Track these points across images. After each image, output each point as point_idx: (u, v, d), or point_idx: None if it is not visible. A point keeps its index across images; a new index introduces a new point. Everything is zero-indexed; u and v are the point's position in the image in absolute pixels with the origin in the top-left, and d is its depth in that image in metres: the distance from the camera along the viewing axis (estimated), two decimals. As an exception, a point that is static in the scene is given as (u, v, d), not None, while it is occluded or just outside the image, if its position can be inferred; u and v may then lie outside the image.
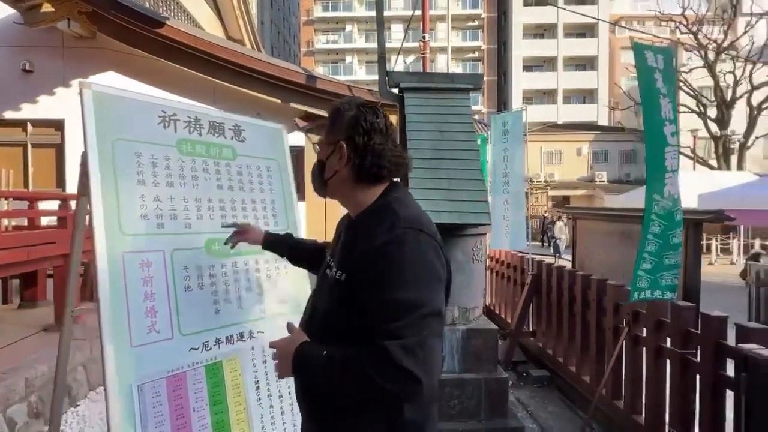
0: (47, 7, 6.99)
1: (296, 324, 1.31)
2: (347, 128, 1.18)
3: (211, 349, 1.66)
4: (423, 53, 6.30)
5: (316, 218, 7.42)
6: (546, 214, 20.97)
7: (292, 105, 7.74)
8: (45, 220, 5.62)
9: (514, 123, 5.43)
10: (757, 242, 14.38)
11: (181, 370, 1.56)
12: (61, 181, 7.72)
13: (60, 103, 7.55)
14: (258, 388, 1.79)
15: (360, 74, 37.30)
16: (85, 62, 7.56)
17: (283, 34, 40.22)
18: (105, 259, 1.44)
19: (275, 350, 1.19)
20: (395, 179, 1.26)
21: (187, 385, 1.55)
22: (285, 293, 2.00)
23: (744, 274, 10.70)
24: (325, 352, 1.08)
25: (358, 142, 1.17)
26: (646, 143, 2.89)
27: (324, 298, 1.22)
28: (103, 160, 1.50)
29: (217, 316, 1.72)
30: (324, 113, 7.84)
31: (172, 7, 11.49)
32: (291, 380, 1.90)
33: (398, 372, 0.97)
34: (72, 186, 7.45)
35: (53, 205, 5.19)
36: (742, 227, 14.13)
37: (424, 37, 6.18)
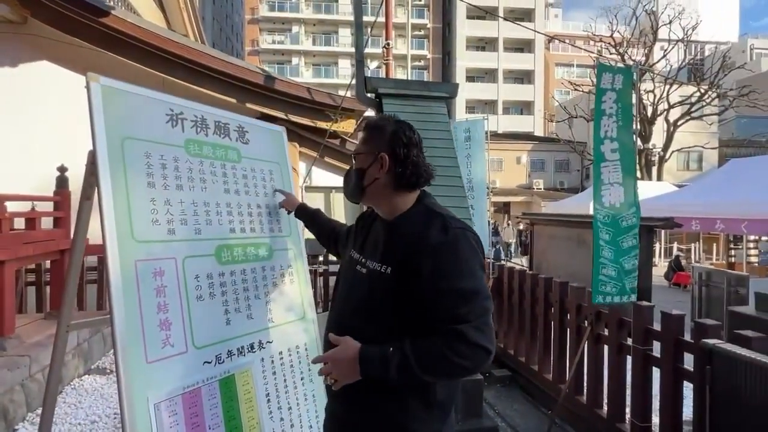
0: (-30, -14, 6.28)
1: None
2: (389, 141, 1.31)
3: (223, 362, 1.57)
4: (386, 60, 6.36)
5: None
6: (490, 220, 21.85)
7: (249, 105, 7.48)
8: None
9: (476, 130, 5.63)
10: (675, 246, 15.89)
11: (196, 386, 1.46)
12: (-20, 181, 6.92)
13: (-18, 94, 6.78)
14: (269, 401, 1.71)
15: (306, 76, 36.85)
16: (13, 49, 6.86)
17: (225, 31, 38.82)
18: (118, 269, 1.32)
19: (329, 363, 1.21)
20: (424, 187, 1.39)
21: (202, 401, 1.46)
22: (290, 301, 1.93)
23: (667, 276, 11.82)
24: (390, 348, 1.15)
25: (399, 154, 1.30)
26: (593, 159, 3.16)
27: (361, 290, 1.30)
28: (113, 161, 1.37)
29: (229, 327, 1.63)
30: (282, 115, 7.69)
31: (111, -5, 10.74)
32: (299, 391, 1.84)
33: (473, 349, 1.13)
34: (-4, 186, 6.72)
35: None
36: (662, 232, 15.55)
37: (387, 44, 6.24)
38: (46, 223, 4.88)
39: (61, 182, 4.89)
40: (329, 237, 1.83)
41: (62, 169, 4.90)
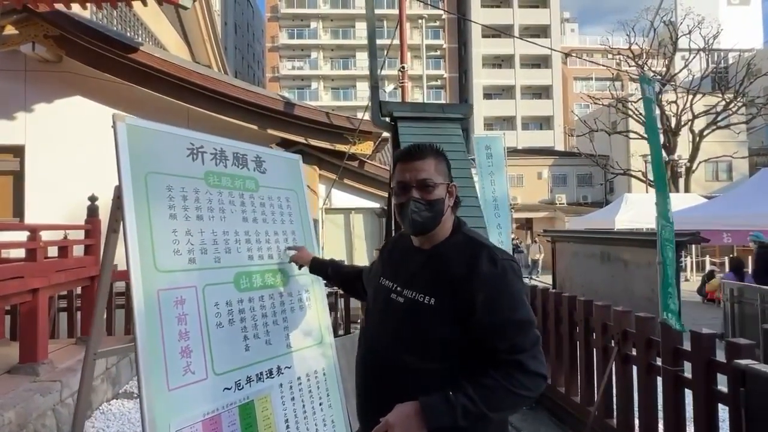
0: (10, 30, 6.72)
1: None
2: (449, 169, 1.37)
3: (243, 388, 1.60)
4: (402, 82, 6.47)
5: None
6: (513, 237, 21.55)
7: (270, 131, 7.69)
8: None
9: (495, 147, 5.63)
10: (708, 260, 15.32)
11: (217, 413, 1.49)
12: (19, 210, 7.28)
13: (20, 129, 7.20)
14: (288, 426, 1.73)
15: (326, 100, 37.70)
16: (50, 87, 7.27)
17: (247, 59, 40.20)
18: (142, 298, 1.37)
19: (393, 427, 1.14)
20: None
21: (222, 428, 1.48)
22: (308, 326, 1.96)
23: (701, 291, 11.36)
24: (451, 392, 1.13)
25: (454, 183, 1.37)
26: (654, 170, 3.09)
27: (399, 320, 1.28)
28: (137, 195, 1.45)
29: (248, 353, 1.66)
30: (301, 139, 7.86)
31: (140, 32, 11.31)
32: (318, 416, 1.85)
33: (533, 378, 1.15)
34: (32, 216, 7.05)
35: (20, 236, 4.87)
36: (694, 246, 15.04)
37: (403, 67, 6.36)
38: (77, 250, 5.06)
39: (92, 211, 5.09)
40: (354, 280, 1.76)
41: (93, 199, 5.10)
